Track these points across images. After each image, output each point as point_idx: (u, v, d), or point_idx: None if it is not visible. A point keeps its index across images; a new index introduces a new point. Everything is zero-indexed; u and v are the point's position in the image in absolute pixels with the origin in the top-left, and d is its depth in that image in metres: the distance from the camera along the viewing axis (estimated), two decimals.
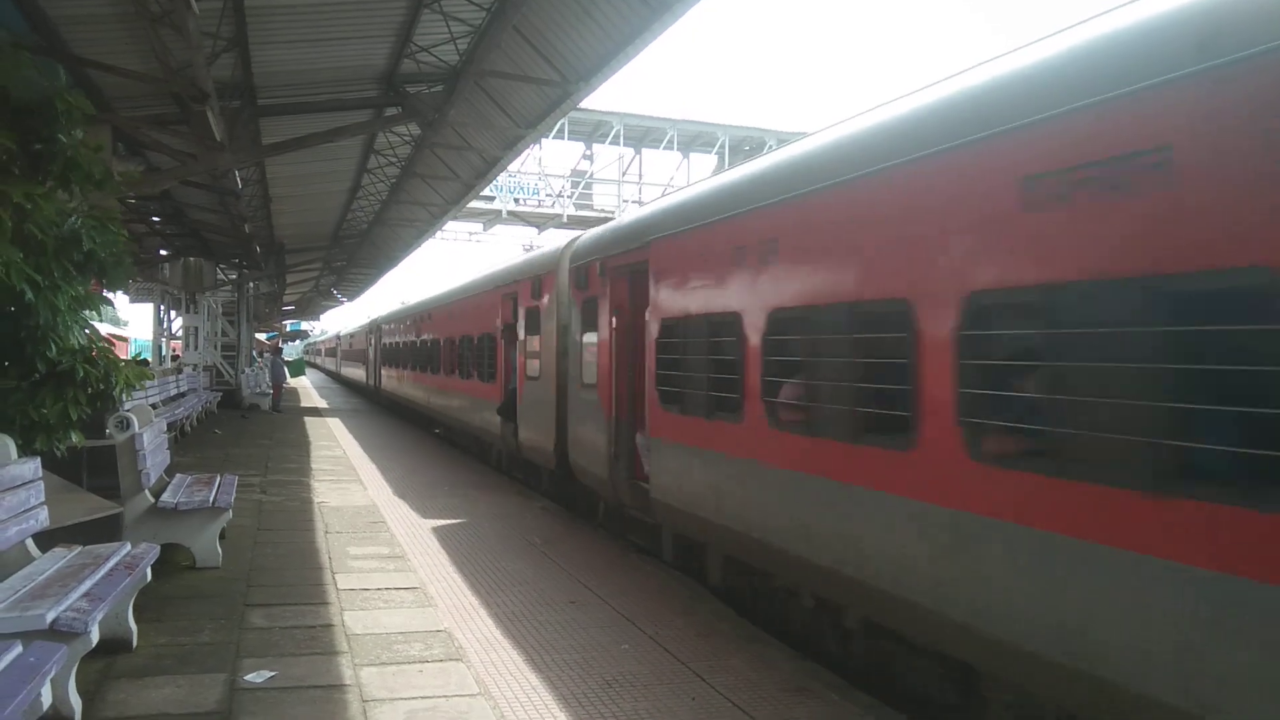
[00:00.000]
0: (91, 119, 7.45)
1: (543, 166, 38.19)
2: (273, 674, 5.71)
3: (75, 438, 6.86)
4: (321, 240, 31.58)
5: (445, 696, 5.47)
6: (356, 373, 46.18)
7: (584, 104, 16.44)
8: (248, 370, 33.50)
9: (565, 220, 36.83)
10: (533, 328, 13.26)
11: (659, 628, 6.91)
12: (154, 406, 15.47)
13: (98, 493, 8.06)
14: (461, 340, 18.86)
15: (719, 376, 7.34)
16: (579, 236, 12.10)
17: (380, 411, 32.03)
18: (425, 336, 23.66)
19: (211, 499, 8.52)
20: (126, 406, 8.64)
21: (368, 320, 41.96)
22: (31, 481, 5.84)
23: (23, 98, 6.49)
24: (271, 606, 7.27)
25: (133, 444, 8.22)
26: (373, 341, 37.17)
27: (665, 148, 39.04)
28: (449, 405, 20.38)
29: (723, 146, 38.59)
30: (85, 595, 5.09)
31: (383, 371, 33.36)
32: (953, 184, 4.90)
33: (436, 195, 23.30)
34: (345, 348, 55.54)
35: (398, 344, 29.28)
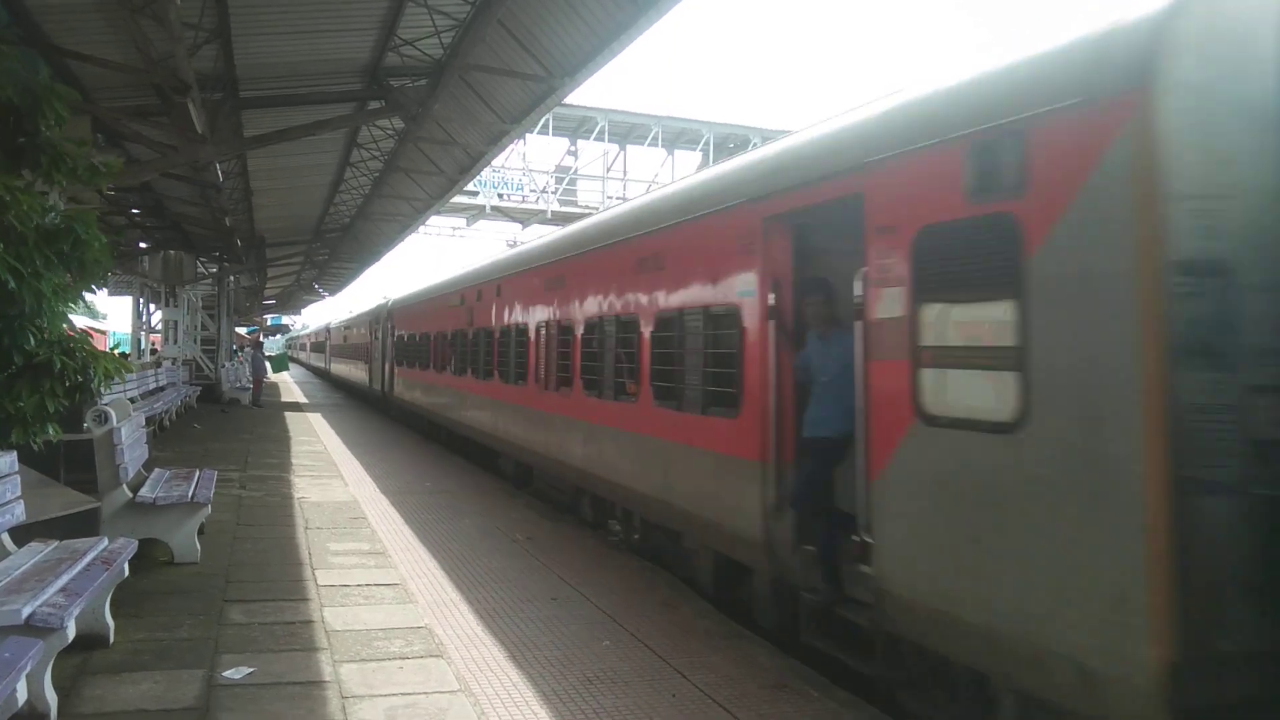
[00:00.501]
0: (76, 110, 7.38)
1: (527, 162, 38.20)
2: (251, 670, 5.68)
3: (52, 431, 6.79)
4: (303, 234, 31.40)
5: (425, 693, 5.45)
6: (354, 373, 36.63)
7: (568, 100, 16.40)
8: (228, 365, 33.27)
9: (549, 216, 36.84)
10: (943, 284, 5.05)
11: (640, 625, 6.91)
12: (132, 400, 15.34)
13: (75, 487, 7.99)
14: (605, 327, 9.89)
15: None
16: None
17: (362, 407, 31.76)
18: (499, 323, 14.77)
19: (190, 494, 8.46)
20: (105, 400, 8.57)
21: (371, 306, 33.24)
22: (7, 475, 5.80)
23: (5, 92, 6.41)
24: (250, 602, 7.22)
25: (110, 438, 8.15)
26: (379, 334, 28.83)
27: (650, 144, 39.13)
28: (564, 445, 11.23)
29: (707, 144, 38.71)
30: (62, 590, 5.05)
31: (399, 376, 25.23)
32: None
33: (420, 190, 23.22)
34: (338, 341, 45.02)
35: (429, 338, 20.85)
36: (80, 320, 7.71)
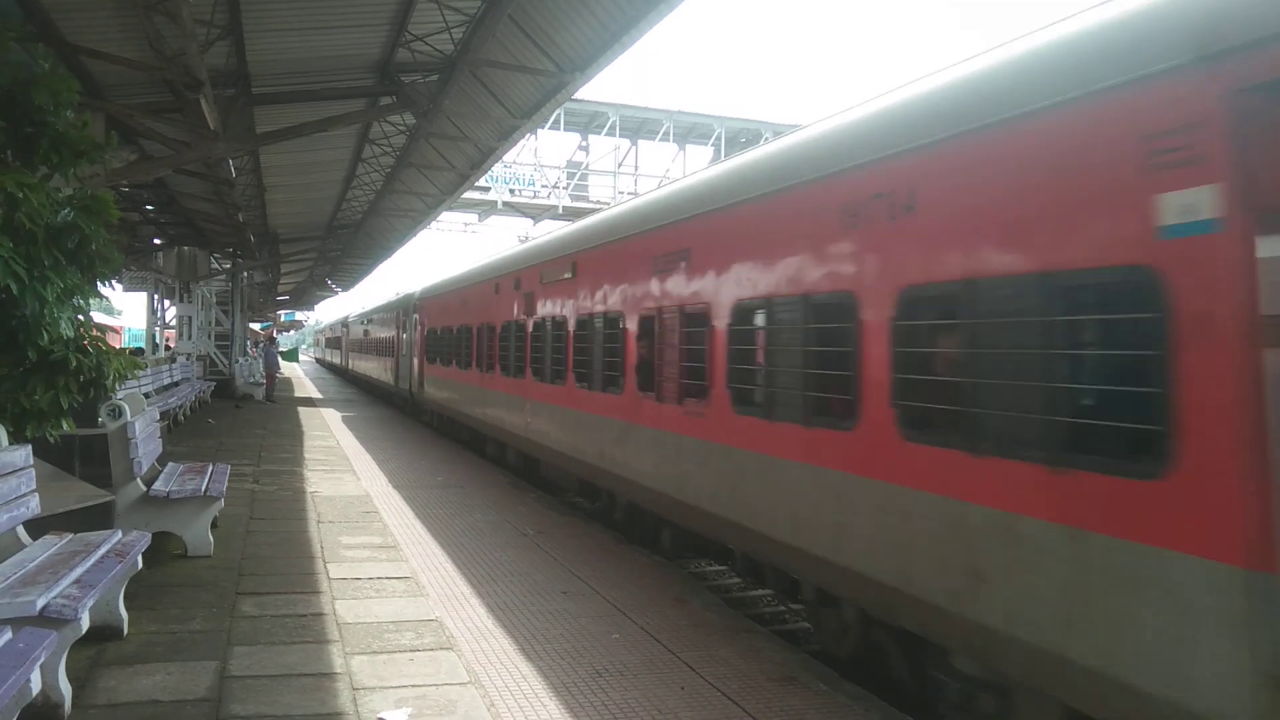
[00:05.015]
0: (81, 98, 7.41)
1: (538, 157, 38.19)
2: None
3: (66, 425, 6.85)
4: (316, 230, 31.51)
5: (435, 685, 5.48)
6: (377, 371, 34.03)
7: (580, 95, 16.41)
8: (241, 360, 33.38)
9: (560, 211, 36.83)
10: None
11: (650, 618, 6.93)
12: (147, 395, 15.45)
13: (90, 481, 8.06)
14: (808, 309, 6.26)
15: None
16: None
17: (375, 402, 31.88)
18: (583, 311, 11.07)
19: (203, 488, 8.52)
20: (119, 395, 8.63)
21: (399, 296, 30.32)
22: (23, 469, 5.84)
23: (9, 82, 6.46)
24: (263, 595, 7.28)
25: (125, 432, 8.21)
26: (401, 335, 26.95)
27: (661, 139, 39.05)
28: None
29: (719, 138, 38.60)
30: (76, 582, 5.09)
31: (430, 374, 22.36)
32: None
33: (431, 185, 23.26)
34: (357, 336, 41.90)
35: (481, 329, 16.92)
36: (96, 317, 7.77)
